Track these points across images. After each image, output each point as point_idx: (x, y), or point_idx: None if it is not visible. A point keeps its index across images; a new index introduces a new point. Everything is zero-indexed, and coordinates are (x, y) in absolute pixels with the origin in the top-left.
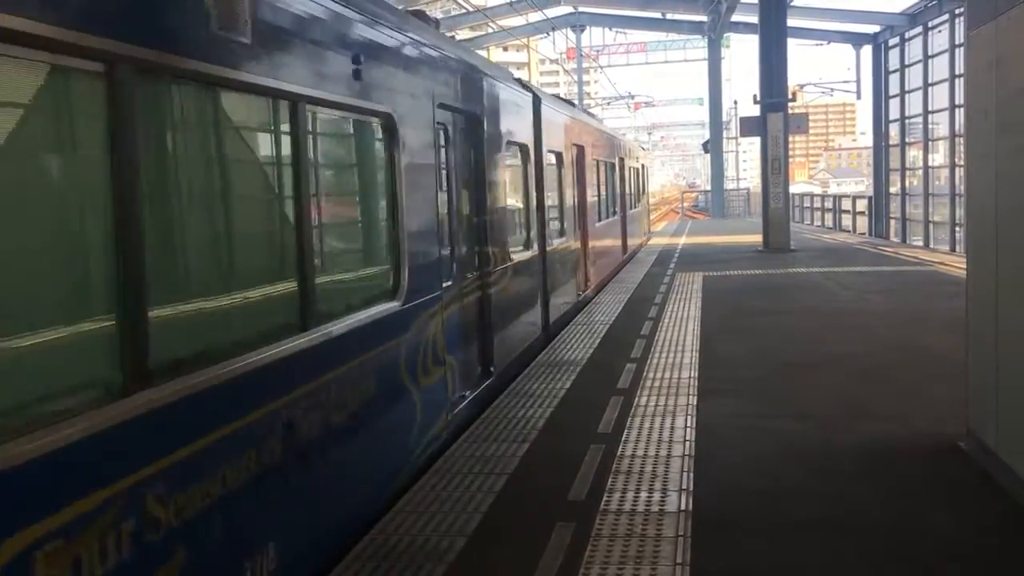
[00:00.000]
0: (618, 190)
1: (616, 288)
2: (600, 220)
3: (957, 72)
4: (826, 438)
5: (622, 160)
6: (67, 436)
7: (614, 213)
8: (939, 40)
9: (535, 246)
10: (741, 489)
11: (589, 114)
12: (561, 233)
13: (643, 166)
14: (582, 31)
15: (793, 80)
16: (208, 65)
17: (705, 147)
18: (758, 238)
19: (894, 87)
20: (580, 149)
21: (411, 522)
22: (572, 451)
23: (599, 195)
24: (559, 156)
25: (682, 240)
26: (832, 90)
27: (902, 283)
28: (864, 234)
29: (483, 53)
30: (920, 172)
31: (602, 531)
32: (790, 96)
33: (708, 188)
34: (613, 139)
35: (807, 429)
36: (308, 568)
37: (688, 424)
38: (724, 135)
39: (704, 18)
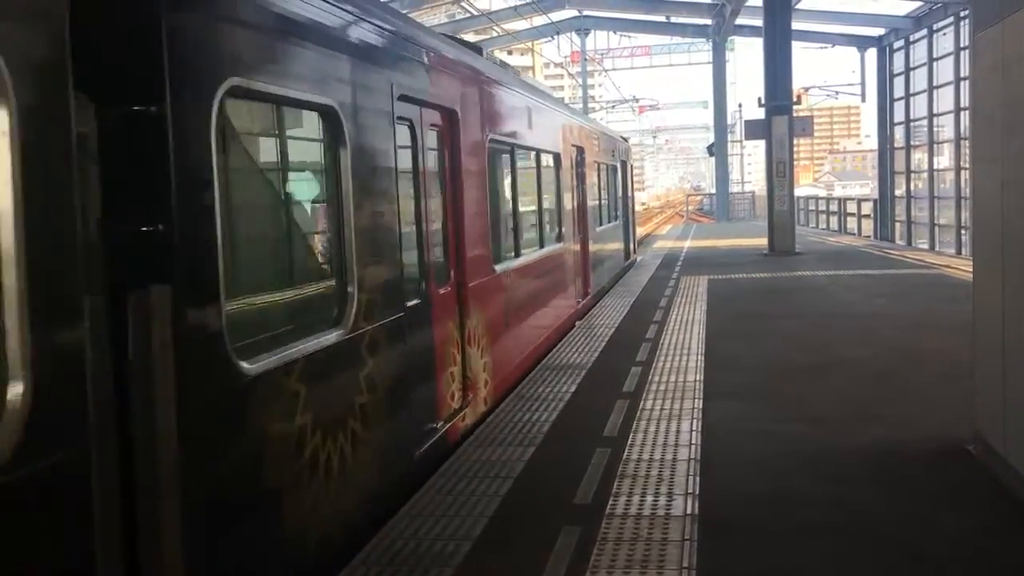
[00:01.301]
0: (575, 198)
1: (621, 292)
2: (525, 250)
3: (962, 75)
4: (832, 441)
5: (580, 151)
6: None
7: (559, 239)
8: (944, 43)
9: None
10: (747, 493)
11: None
12: (382, 301)
13: (623, 163)
14: (587, 35)
15: (798, 83)
16: None
17: (710, 150)
18: (763, 241)
19: (899, 90)
20: (470, 118)
21: (416, 526)
22: (578, 455)
23: (517, 207)
24: (413, 126)
25: (687, 243)
26: (837, 93)
27: (908, 286)
28: (869, 237)
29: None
30: (925, 175)
31: (608, 535)
32: (795, 99)
33: (713, 191)
34: (561, 117)
35: (813, 432)
36: None
37: (694, 428)
38: (729, 138)
39: (708, 21)
